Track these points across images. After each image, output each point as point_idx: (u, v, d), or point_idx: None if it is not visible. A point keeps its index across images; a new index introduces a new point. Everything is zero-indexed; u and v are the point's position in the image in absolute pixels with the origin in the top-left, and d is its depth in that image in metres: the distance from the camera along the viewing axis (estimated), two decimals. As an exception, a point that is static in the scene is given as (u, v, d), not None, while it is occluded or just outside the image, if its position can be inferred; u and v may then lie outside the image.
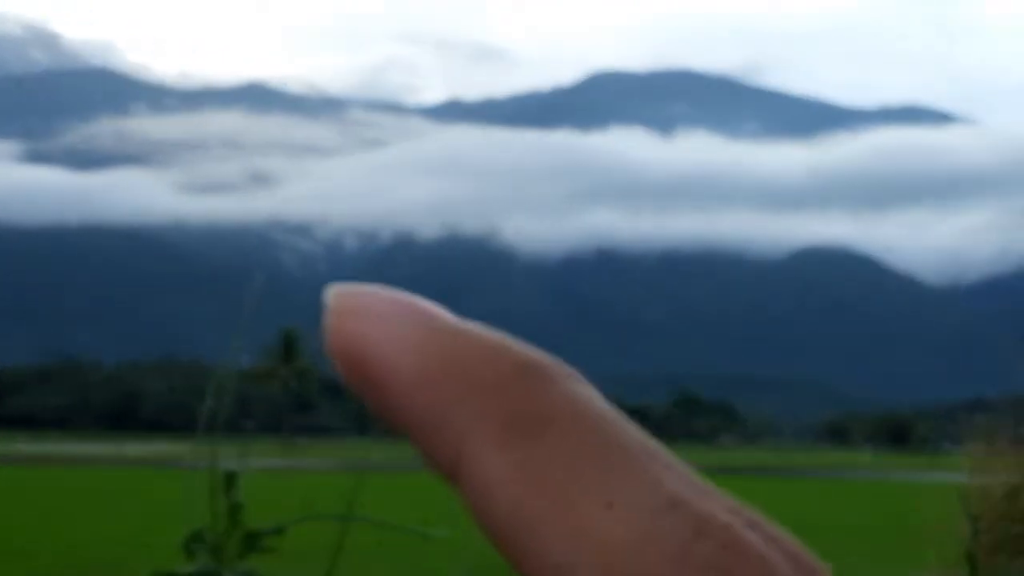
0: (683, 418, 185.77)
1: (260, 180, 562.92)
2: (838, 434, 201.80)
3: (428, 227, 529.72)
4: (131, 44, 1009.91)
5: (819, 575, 0.68)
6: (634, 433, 0.60)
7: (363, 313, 0.61)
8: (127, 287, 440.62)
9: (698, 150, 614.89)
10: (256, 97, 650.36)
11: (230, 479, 2.23)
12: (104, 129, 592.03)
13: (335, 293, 0.62)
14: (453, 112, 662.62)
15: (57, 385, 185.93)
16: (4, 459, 77.35)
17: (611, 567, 0.58)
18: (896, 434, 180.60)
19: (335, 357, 0.61)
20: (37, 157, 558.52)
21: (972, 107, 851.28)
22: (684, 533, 0.58)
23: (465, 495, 0.59)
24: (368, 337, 0.61)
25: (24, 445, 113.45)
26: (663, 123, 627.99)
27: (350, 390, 0.59)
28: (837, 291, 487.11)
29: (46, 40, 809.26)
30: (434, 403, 0.59)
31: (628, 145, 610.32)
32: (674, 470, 0.59)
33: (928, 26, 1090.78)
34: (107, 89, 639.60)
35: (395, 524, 2.38)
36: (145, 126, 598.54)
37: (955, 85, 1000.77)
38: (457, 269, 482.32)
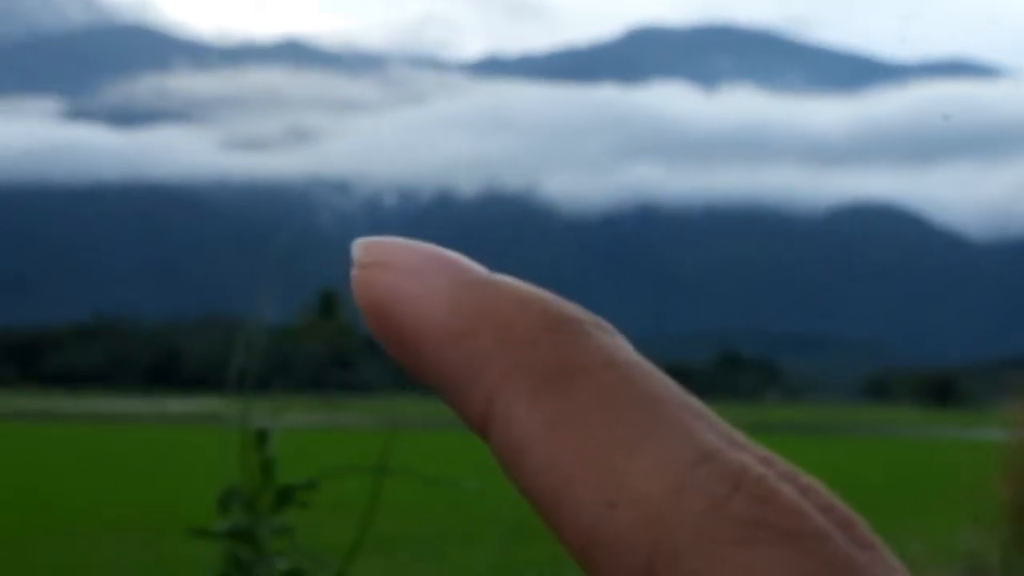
0: (725, 375, 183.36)
1: (300, 137, 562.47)
2: (880, 391, 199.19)
3: (468, 184, 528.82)
4: (168, 1, 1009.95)
5: (854, 526, 0.68)
6: (667, 385, 0.60)
7: (391, 265, 0.60)
8: (167, 245, 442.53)
9: (741, 105, 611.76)
10: (295, 53, 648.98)
11: (261, 436, 2.23)
12: (144, 86, 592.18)
13: (363, 245, 0.61)
14: (492, 67, 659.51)
15: (97, 343, 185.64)
16: (44, 416, 78.28)
17: (645, 520, 0.56)
18: (939, 391, 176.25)
19: (363, 309, 0.60)
20: (77, 115, 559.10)
21: (1018, 60, 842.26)
22: (718, 485, 0.57)
23: (496, 449, 0.58)
24: (397, 289, 0.60)
25: (64, 402, 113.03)
26: (706, 78, 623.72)
27: (381, 345, 0.59)
28: (880, 247, 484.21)
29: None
30: (465, 356, 0.58)
31: (670, 100, 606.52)
32: (707, 421, 0.59)
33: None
34: (146, 46, 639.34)
35: (428, 476, 2.36)
36: (185, 83, 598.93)
37: (1002, 38, 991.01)
38: (497, 226, 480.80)
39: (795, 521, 0.58)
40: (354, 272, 0.60)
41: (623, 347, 0.59)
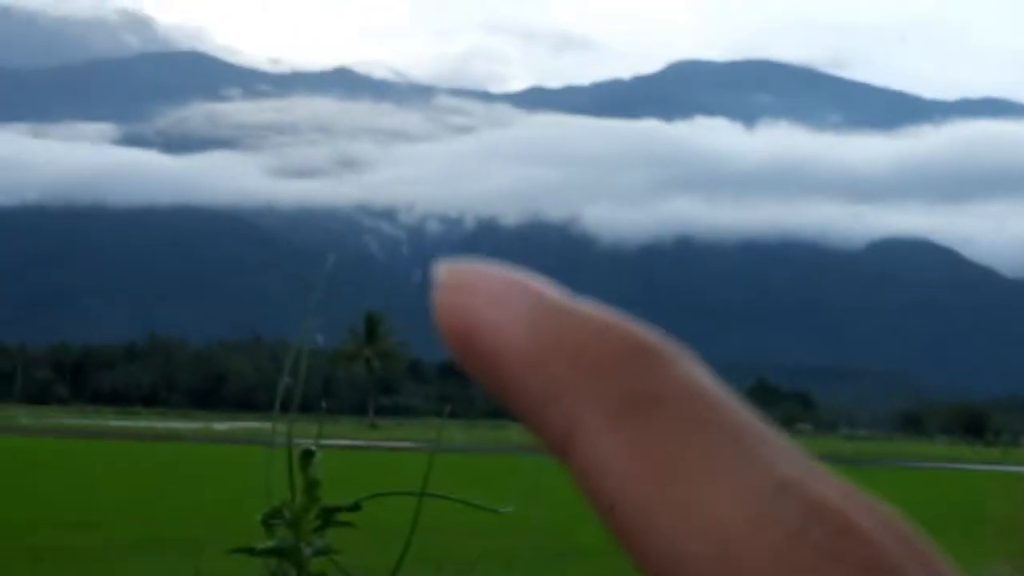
0: (758, 407, 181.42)
1: (348, 165, 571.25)
2: (913, 424, 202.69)
3: (511, 213, 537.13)
4: (222, 28, 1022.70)
5: (931, 559, 0.77)
6: (747, 414, 0.61)
7: (473, 289, 0.61)
8: (217, 268, 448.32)
9: (780, 141, 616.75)
10: (345, 83, 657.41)
11: (307, 456, 2.00)
12: (197, 112, 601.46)
13: (445, 268, 0.61)
14: (536, 99, 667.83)
15: (145, 363, 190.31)
16: (93, 433, 78.26)
17: (724, 550, 0.57)
18: (971, 425, 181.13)
19: (445, 332, 0.61)
20: (132, 140, 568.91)
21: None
22: (797, 517, 0.58)
23: (576, 473, 0.59)
24: (479, 313, 0.61)
25: (113, 421, 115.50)
26: (746, 113, 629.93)
27: (460, 368, 0.67)
28: (916, 282, 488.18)
29: (139, 24, 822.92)
30: (546, 381, 0.59)
31: (711, 135, 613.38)
32: (787, 452, 0.60)
33: (1008, 19, 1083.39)
34: (199, 73, 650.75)
35: (464, 500, 2.10)
36: (237, 110, 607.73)
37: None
38: (539, 255, 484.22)
39: (873, 553, 0.59)
40: (435, 294, 0.61)
41: (704, 375, 0.61)
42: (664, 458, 0.58)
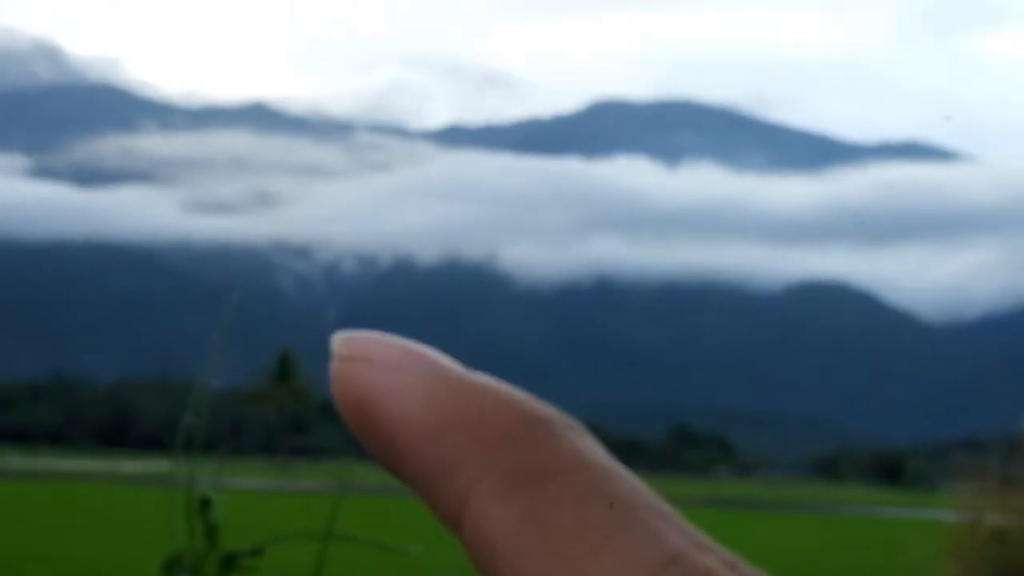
0: (677, 449, 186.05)
1: (264, 201, 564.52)
2: (831, 469, 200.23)
3: (428, 252, 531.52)
4: (136, 61, 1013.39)
5: None
6: (636, 487, 0.61)
7: (370, 359, 0.60)
8: (127, 305, 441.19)
9: (703, 182, 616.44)
10: (261, 118, 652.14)
11: (205, 502, 2.22)
12: (109, 146, 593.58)
13: (343, 339, 0.61)
14: (456, 137, 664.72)
15: (50, 401, 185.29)
16: None
17: None
18: (889, 470, 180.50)
19: (341, 403, 0.62)
20: (41, 172, 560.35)
21: (974, 144, 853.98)
22: None
23: (467, 544, 0.60)
24: (375, 385, 0.60)
25: (16, 460, 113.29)
26: (668, 153, 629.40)
27: (356, 438, 0.64)
28: (834, 326, 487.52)
29: (50, 55, 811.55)
30: (440, 454, 0.60)
31: (632, 175, 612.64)
32: (674, 524, 0.60)
33: (930, 64, 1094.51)
34: (112, 105, 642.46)
35: (372, 541, 2.35)
36: (150, 144, 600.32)
37: (957, 122, 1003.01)
38: (456, 294, 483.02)
39: None
40: (333, 365, 0.61)
41: (595, 449, 0.61)
42: (555, 532, 0.60)
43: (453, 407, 0.60)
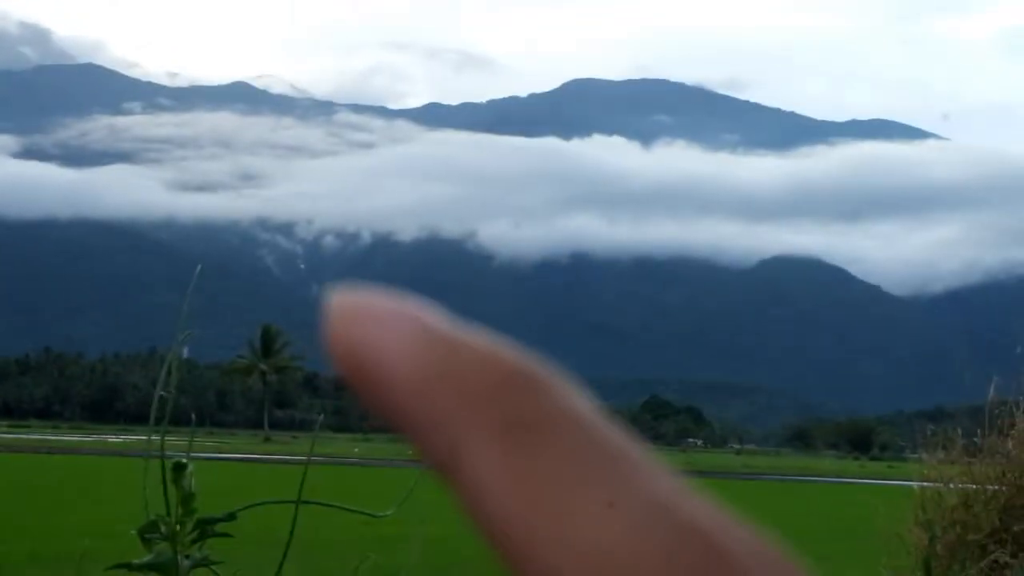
0: (651, 421, 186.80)
1: (248, 179, 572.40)
2: (801, 440, 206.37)
3: (408, 229, 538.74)
4: (121, 42, 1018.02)
5: None
6: (622, 439, 0.62)
7: (364, 318, 0.62)
8: (115, 282, 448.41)
9: (677, 160, 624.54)
10: (245, 97, 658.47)
11: (178, 469, 1.96)
12: (97, 125, 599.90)
13: (337, 298, 0.63)
14: (435, 116, 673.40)
15: (39, 376, 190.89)
16: None
17: (598, 571, 0.59)
18: (858, 441, 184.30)
19: (336, 361, 0.62)
20: (31, 152, 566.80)
21: (941, 123, 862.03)
22: (670, 538, 0.60)
23: (459, 496, 0.61)
24: (369, 342, 0.62)
25: (5, 434, 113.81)
26: (643, 132, 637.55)
27: (350, 390, 0.65)
28: (805, 300, 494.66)
29: (37, 37, 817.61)
30: (431, 408, 0.61)
31: (608, 153, 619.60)
32: (661, 475, 0.61)
33: (898, 45, 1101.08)
34: (98, 86, 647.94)
35: (342, 506, 2.10)
36: (137, 123, 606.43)
37: (925, 101, 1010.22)
38: (434, 271, 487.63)
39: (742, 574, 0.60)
40: (326, 322, 0.62)
41: (581, 400, 0.62)
42: (541, 481, 0.60)
43: (443, 362, 0.61)
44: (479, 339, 0.62)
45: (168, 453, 2.05)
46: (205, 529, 2.06)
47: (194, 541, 2.05)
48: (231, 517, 2.07)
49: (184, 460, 2.04)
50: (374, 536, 17.91)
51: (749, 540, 0.61)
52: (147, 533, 2.02)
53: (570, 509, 0.60)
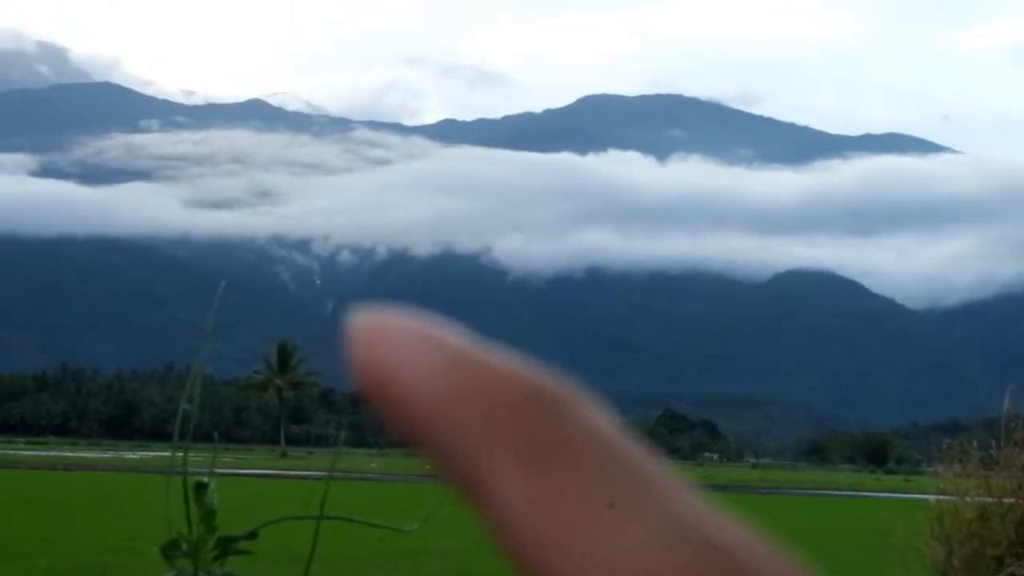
0: (666, 435, 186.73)
1: (264, 196, 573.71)
2: (817, 453, 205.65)
3: (423, 244, 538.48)
4: (137, 60, 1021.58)
5: None
6: (646, 458, 0.62)
7: (387, 339, 0.62)
8: (131, 298, 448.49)
9: (692, 174, 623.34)
10: (261, 115, 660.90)
11: (200, 488, 1.85)
12: (113, 144, 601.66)
13: (359, 318, 0.63)
14: (450, 132, 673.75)
15: (56, 392, 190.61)
16: (4, 464, 76.79)
17: None
18: (873, 454, 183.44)
19: (360, 381, 0.62)
20: (48, 170, 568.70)
21: (954, 136, 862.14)
22: (693, 559, 0.60)
23: (483, 515, 0.61)
24: (393, 363, 0.62)
25: (23, 450, 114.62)
26: (658, 147, 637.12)
27: (371, 409, 0.63)
28: (819, 313, 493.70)
29: (54, 55, 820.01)
30: (456, 428, 0.61)
31: (622, 168, 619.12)
32: (685, 495, 0.61)
33: (911, 58, 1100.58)
34: (115, 104, 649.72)
35: (365, 521, 1.94)
36: (153, 141, 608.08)
37: (936, 115, 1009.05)
38: (449, 286, 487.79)
39: None
40: (350, 343, 0.62)
41: (607, 420, 0.62)
42: (566, 501, 0.61)
43: (465, 383, 0.62)
44: (502, 359, 0.62)
45: (190, 469, 2.07)
46: (227, 547, 2.09)
47: (215, 558, 2.08)
48: (253, 535, 2.10)
49: (205, 480, 2.08)
50: (393, 551, 19.38)
51: (774, 559, 0.61)
52: (168, 551, 2.06)
53: (595, 529, 0.60)
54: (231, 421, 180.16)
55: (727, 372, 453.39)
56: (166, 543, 2.02)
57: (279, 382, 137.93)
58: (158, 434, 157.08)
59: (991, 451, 12.37)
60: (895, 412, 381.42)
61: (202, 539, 2.03)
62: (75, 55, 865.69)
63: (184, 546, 2.03)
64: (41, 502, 38.77)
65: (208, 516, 2.03)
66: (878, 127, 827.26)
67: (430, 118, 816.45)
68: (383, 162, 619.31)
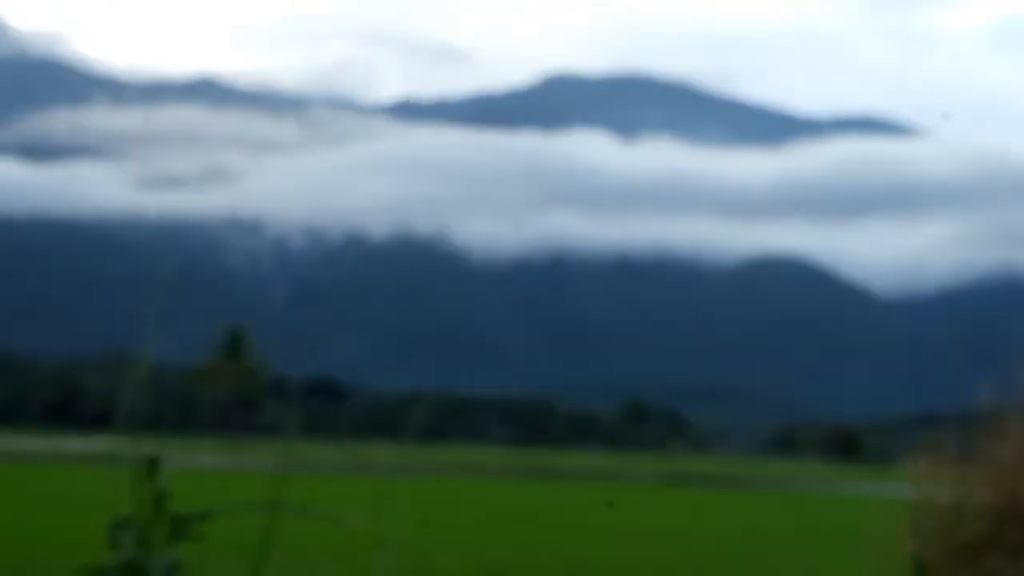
0: (632, 426, 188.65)
1: (216, 176, 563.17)
2: (787, 445, 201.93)
3: (380, 227, 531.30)
4: (81, 36, 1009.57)
5: None
6: None
7: None
8: (76, 282, 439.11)
9: (660, 156, 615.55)
10: (212, 93, 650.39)
11: (152, 466, 2.16)
12: (57, 121, 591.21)
13: None
14: (408, 111, 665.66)
15: None
16: None
17: None
18: (845, 446, 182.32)
19: None
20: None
21: (929, 120, 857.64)
22: None
23: None
24: None
25: None
26: (625, 128, 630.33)
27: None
28: (790, 301, 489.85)
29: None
30: None
31: (588, 149, 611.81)
32: None
33: (886, 39, 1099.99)
34: (59, 80, 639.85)
35: (317, 514, 2.47)
36: (100, 119, 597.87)
37: (913, 98, 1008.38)
38: (408, 270, 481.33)
39: None
40: None
41: None
42: None
43: None
44: None
45: (134, 458, 2.03)
46: (179, 529, 2.02)
47: (166, 542, 2.05)
48: (205, 516, 2.07)
49: (157, 457, 2.00)
50: (345, 541, 22.18)
51: None
52: (117, 533, 2.01)
53: None
54: (178, 409, 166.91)
55: (694, 361, 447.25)
56: (114, 524, 2.00)
57: (228, 369, 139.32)
58: (103, 422, 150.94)
59: (966, 443, 12.70)
60: (868, 403, 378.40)
61: (152, 521, 1.97)
62: (15, 29, 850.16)
63: (133, 528, 1.98)
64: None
65: (160, 498, 1.99)
66: (852, 108, 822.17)
67: (388, 96, 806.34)
68: (338, 142, 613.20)
